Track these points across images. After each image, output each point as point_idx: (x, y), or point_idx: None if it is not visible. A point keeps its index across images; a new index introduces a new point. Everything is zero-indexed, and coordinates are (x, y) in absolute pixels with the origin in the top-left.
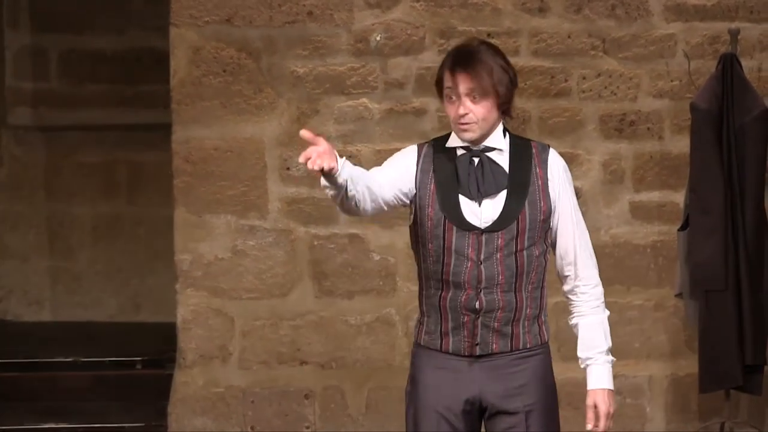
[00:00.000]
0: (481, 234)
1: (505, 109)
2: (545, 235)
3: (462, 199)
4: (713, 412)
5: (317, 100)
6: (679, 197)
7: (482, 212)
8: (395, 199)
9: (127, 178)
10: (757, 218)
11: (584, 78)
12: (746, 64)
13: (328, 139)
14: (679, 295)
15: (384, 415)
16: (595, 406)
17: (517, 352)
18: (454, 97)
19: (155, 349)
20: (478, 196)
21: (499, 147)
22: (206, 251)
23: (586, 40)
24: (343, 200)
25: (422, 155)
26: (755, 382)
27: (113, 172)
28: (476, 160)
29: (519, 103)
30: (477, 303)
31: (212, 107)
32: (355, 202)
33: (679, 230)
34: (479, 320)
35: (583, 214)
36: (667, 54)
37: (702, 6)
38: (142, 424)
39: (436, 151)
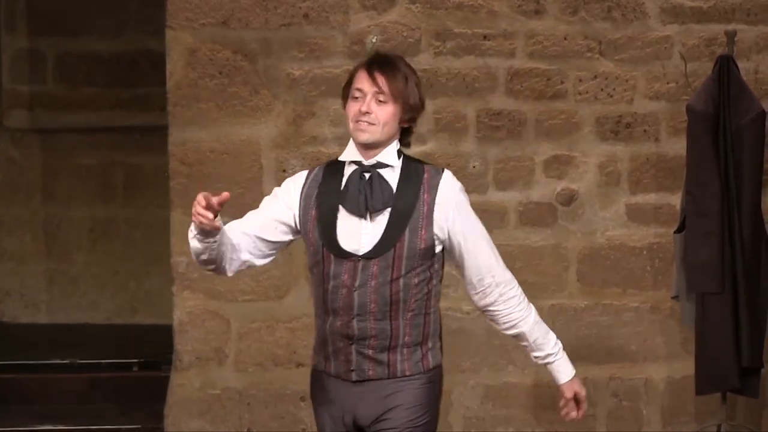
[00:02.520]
0: (359, 261)
1: (406, 128)
2: (430, 262)
3: (342, 224)
4: (710, 415)
5: (313, 102)
6: (676, 199)
7: (362, 237)
8: (283, 233)
9: (124, 180)
10: (754, 220)
11: (580, 80)
12: (743, 65)
13: (323, 141)
14: (675, 298)
15: None
16: (575, 395)
17: (395, 379)
18: (359, 96)
19: (152, 351)
20: (365, 212)
21: (391, 164)
22: None
23: (582, 42)
24: (207, 259)
25: (309, 180)
26: (752, 385)
27: (110, 174)
28: (367, 175)
29: (515, 105)
30: (349, 330)
31: (208, 109)
32: (216, 261)
33: (675, 232)
34: (353, 347)
35: (579, 217)
36: (664, 56)
37: (698, 8)
38: (139, 426)
39: (326, 173)
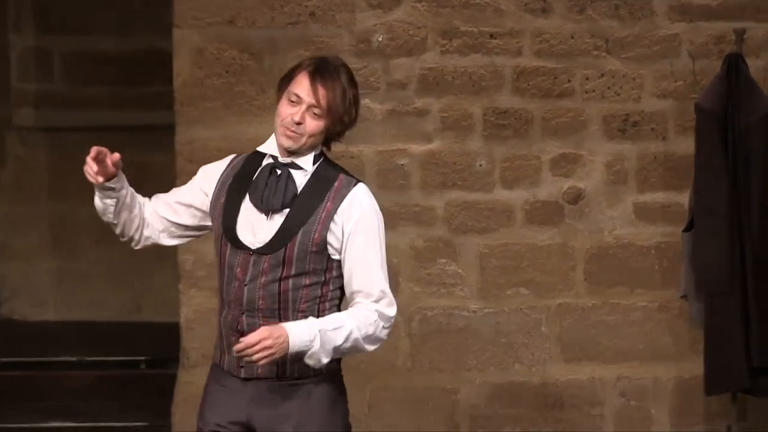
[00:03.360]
0: (251, 254)
1: (331, 138)
2: (325, 267)
3: (245, 214)
4: (719, 416)
5: None
6: (684, 198)
7: (258, 232)
8: (192, 216)
9: (131, 178)
10: (763, 219)
11: (587, 78)
12: (752, 63)
13: None
14: (683, 297)
15: (387, 416)
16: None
17: (285, 379)
18: (294, 100)
19: (159, 348)
20: (263, 208)
21: (305, 168)
22: (209, 251)
23: (589, 40)
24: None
25: (230, 167)
26: (762, 385)
27: None
28: (278, 171)
29: (522, 103)
30: (239, 325)
31: (215, 108)
32: (125, 227)
33: (683, 231)
34: None
35: (586, 215)
36: (671, 54)
37: (707, 6)
38: (146, 424)
39: (246, 163)
